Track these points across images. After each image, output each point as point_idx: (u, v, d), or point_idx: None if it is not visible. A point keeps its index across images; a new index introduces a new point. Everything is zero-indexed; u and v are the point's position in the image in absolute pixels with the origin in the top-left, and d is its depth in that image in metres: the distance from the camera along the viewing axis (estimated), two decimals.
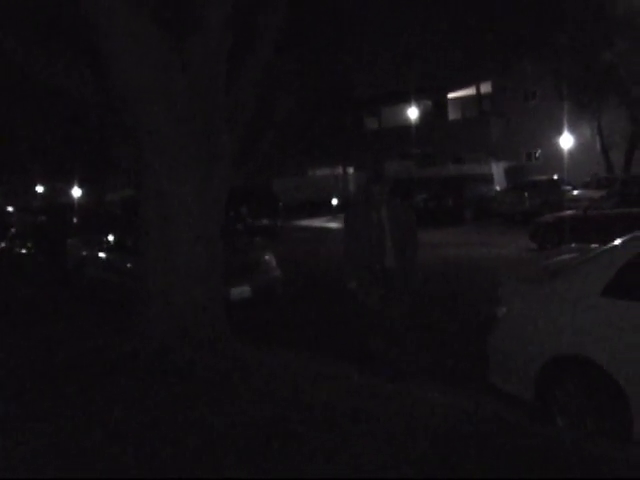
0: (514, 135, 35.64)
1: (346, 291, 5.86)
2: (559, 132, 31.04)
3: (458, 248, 16.58)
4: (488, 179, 28.11)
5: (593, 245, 5.92)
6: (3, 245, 16.32)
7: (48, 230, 16.27)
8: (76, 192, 38.95)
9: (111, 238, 10.64)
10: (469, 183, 26.61)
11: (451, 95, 40.00)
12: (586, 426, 4.38)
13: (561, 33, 18.18)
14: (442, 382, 5.90)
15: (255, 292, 9.26)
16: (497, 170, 30.52)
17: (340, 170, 42.33)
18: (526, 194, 23.39)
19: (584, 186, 25.27)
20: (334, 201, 35.07)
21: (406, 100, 36.32)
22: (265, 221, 23.41)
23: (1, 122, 17.24)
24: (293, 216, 30.22)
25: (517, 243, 16.21)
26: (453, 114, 40.85)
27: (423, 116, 39.87)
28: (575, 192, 24.00)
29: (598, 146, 29.71)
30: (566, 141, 30.90)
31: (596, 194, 19.38)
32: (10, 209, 28.58)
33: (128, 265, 9.32)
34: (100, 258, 10.64)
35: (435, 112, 41.37)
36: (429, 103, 41.08)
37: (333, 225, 26.02)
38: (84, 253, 11.25)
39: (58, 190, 43.30)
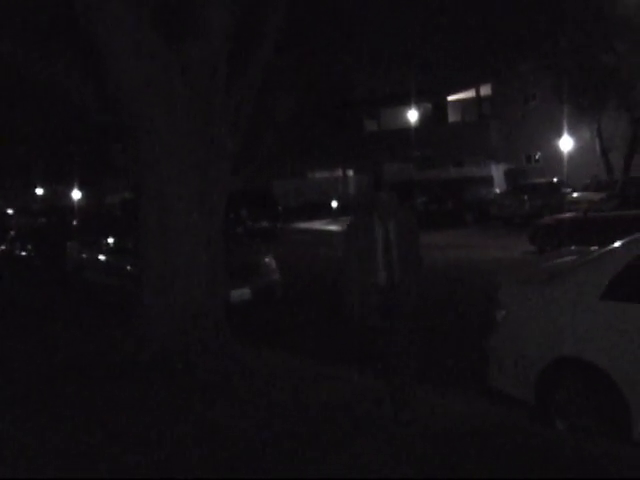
0: (514, 138, 35.64)
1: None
2: (559, 135, 31.02)
3: (458, 250, 16.58)
4: (488, 182, 28.17)
5: (593, 247, 5.88)
6: (3, 247, 16.29)
7: (48, 232, 16.30)
8: (76, 194, 39.01)
9: (111, 240, 10.63)
10: (469, 186, 26.67)
11: (451, 98, 40.06)
12: (586, 429, 4.37)
13: (561, 35, 18.17)
14: (442, 384, 5.89)
15: (255, 294, 9.26)
16: (497, 173, 30.60)
17: (340, 172, 42.37)
18: (526, 196, 23.39)
19: (584, 188, 25.27)
20: (334, 203, 35.14)
21: (406, 102, 36.36)
22: (265, 223, 23.45)
23: (1, 124, 17.23)
24: (293, 218, 30.24)
25: (517, 245, 16.19)
26: (453, 117, 40.88)
27: (423, 118, 39.92)
28: (575, 194, 23.97)
29: (598, 148, 29.67)
30: (566, 144, 30.88)
31: (596, 196, 19.39)
32: (10, 211, 28.64)
33: (128, 267, 9.31)
34: (100, 260, 10.64)
35: (435, 114, 41.41)
36: (429, 105, 41.09)
37: (333, 227, 26.02)
38: (84, 255, 11.24)
39: (58, 193, 43.34)
